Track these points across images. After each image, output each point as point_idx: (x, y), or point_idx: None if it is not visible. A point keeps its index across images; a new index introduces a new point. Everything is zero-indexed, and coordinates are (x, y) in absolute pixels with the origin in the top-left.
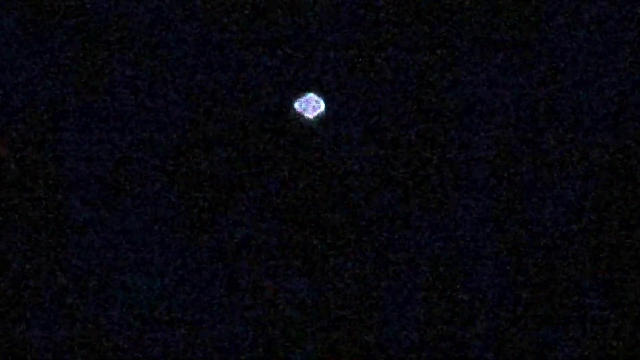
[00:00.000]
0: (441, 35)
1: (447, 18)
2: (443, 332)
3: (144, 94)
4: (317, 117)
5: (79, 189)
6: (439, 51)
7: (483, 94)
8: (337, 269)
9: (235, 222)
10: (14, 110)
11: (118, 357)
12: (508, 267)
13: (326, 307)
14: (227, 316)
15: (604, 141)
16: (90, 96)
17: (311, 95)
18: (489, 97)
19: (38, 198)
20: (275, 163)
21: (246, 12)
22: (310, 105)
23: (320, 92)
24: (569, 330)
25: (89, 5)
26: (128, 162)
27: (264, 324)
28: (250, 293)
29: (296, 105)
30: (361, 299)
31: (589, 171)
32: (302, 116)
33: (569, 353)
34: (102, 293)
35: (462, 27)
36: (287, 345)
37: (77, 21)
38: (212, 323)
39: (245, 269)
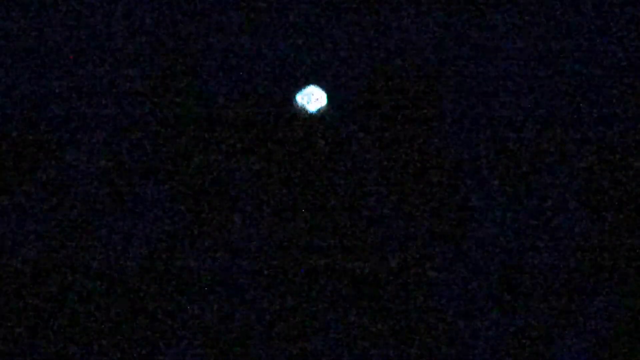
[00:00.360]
0: (443, 34)
1: (449, 17)
2: (444, 332)
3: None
4: (318, 110)
5: (80, 189)
6: (440, 48)
7: (486, 92)
8: (337, 268)
9: (235, 220)
10: (13, 111)
11: (119, 357)
12: (508, 267)
13: (326, 308)
14: (228, 316)
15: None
16: (90, 96)
17: (313, 89)
18: (491, 96)
19: (38, 198)
20: (276, 157)
21: (247, 6)
22: (313, 99)
23: (322, 86)
24: (569, 330)
25: (89, 5)
26: (128, 162)
27: (264, 325)
28: (251, 293)
29: (298, 98)
30: (361, 299)
31: (589, 171)
32: (304, 110)
33: (569, 353)
34: (102, 293)
35: (464, 28)
36: (286, 346)
37: (78, 22)
38: (212, 323)
39: (245, 269)
